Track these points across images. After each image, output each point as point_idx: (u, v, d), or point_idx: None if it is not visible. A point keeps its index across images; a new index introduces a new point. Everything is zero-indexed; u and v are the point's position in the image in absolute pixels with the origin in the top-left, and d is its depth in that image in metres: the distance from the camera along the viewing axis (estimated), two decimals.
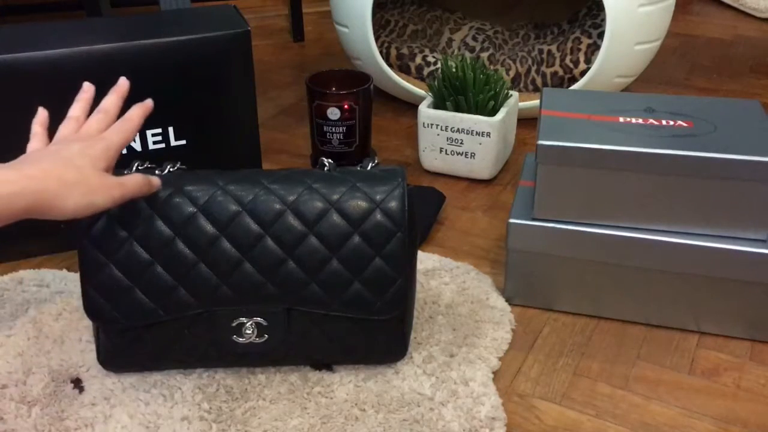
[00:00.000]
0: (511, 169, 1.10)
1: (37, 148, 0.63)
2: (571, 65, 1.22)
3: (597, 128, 0.74)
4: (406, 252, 0.66)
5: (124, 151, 0.89)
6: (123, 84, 0.69)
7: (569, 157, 0.72)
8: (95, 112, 0.66)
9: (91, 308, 0.66)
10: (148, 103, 0.68)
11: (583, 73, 1.20)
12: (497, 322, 0.78)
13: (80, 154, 0.60)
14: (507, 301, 0.81)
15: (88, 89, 0.69)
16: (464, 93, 1.02)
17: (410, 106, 1.28)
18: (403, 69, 1.28)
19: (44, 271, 0.86)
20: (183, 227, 0.65)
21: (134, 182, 0.62)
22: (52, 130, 0.64)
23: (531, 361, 0.74)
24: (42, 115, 0.66)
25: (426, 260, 0.87)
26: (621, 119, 0.76)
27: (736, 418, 0.67)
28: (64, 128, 0.65)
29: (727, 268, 0.73)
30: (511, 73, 1.26)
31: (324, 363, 0.71)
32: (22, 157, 0.60)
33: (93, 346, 0.73)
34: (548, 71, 1.24)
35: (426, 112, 1.04)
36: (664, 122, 0.75)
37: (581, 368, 0.73)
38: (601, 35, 1.17)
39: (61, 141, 0.63)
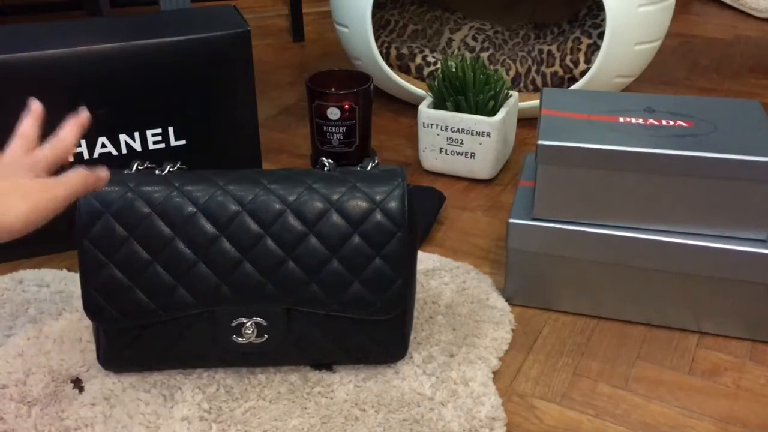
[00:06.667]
0: (511, 169, 1.10)
1: None
2: (571, 65, 1.22)
3: (597, 128, 0.74)
4: (406, 252, 0.66)
5: (125, 151, 0.89)
6: (36, 108, 0.63)
7: (569, 157, 0.72)
8: (13, 138, 0.61)
9: (91, 308, 0.66)
10: (83, 117, 0.62)
11: (583, 73, 1.20)
12: (497, 322, 0.78)
13: (7, 167, 0.56)
14: (507, 301, 0.81)
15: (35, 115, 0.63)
16: (464, 93, 1.02)
17: (410, 106, 1.28)
18: (403, 69, 1.28)
19: (44, 271, 0.86)
20: (183, 227, 0.65)
21: (76, 177, 0.57)
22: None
23: (531, 361, 0.74)
24: None
25: (426, 260, 0.87)
26: (621, 119, 0.76)
27: (736, 418, 0.67)
28: None
29: (727, 268, 0.73)
30: (511, 73, 1.26)
31: (324, 363, 0.71)
32: None
33: (93, 346, 0.73)
34: (548, 71, 1.24)
35: (426, 112, 1.04)
36: (664, 122, 0.75)
37: (581, 368, 0.73)
38: (601, 35, 1.17)
39: None
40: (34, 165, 0.58)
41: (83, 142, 0.86)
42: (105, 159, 0.88)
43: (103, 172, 0.61)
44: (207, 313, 0.66)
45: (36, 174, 0.58)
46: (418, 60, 1.26)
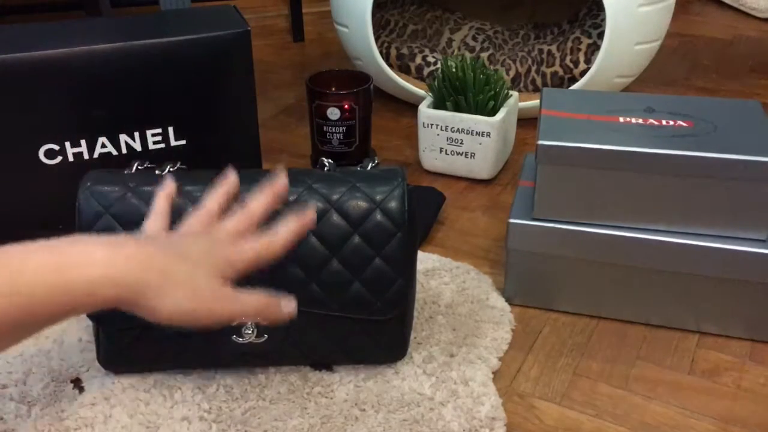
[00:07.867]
0: (511, 169, 1.10)
1: (155, 229, 0.54)
2: (571, 65, 1.22)
3: (597, 128, 0.74)
4: (406, 252, 0.66)
5: (125, 151, 0.89)
6: (281, 184, 0.58)
7: (569, 157, 0.72)
8: (240, 211, 0.57)
9: None
10: (309, 218, 0.56)
11: (583, 73, 1.20)
12: (497, 322, 0.78)
13: (203, 253, 0.50)
14: (507, 301, 0.81)
15: (231, 182, 0.59)
16: (464, 93, 1.02)
17: (410, 106, 1.28)
18: (403, 69, 1.28)
19: None
20: None
21: (256, 301, 0.51)
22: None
23: (531, 361, 0.74)
24: (170, 187, 0.56)
25: (426, 260, 0.87)
26: (621, 119, 0.76)
27: (736, 418, 0.67)
28: (194, 219, 0.56)
29: (727, 268, 0.73)
30: (511, 73, 1.26)
31: (324, 363, 0.71)
32: (128, 236, 0.51)
33: (93, 346, 0.73)
34: (548, 71, 1.24)
35: (426, 112, 1.04)
36: (664, 122, 0.75)
37: (581, 368, 0.73)
38: (601, 35, 1.17)
39: (186, 233, 0.54)
40: (231, 264, 0.52)
41: (83, 143, 0.86)
42: (105, 159, 0.88)
43: (291, 306, 0.54)
44: None
45: (232, 272, 0.51)
46: (418, 60, 1.26)
